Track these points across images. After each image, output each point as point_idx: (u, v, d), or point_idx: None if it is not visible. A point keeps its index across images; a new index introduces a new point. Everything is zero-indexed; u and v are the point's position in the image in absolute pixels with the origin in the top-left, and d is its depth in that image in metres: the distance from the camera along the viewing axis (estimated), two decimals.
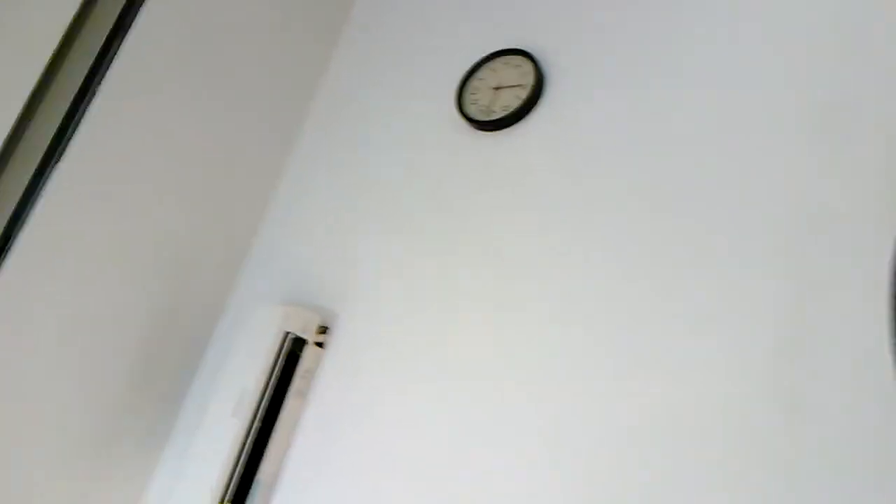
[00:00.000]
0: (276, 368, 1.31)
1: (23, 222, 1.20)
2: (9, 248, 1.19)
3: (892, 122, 0.99)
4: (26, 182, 1.20)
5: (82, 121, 1.25)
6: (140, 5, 1.30)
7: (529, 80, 1.33)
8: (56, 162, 1.23)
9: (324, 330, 1.35)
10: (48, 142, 1.21)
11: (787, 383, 0.92)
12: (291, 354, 1.32)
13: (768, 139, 1.08)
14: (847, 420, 0.88)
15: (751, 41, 1.18)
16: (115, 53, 1.28)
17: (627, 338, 1.06)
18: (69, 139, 1.24)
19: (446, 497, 1.12)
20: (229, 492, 1.23)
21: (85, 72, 1.24)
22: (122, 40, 1.29)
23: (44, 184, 1.22)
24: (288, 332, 1.31)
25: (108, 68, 1.27)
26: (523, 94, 1.33)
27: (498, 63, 1.40)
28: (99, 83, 1.26)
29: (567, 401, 1.07)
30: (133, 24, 1.30)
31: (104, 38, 1.26)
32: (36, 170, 1.20)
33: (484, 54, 1.43)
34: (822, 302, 0.95)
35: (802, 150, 1.05)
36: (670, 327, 1.03)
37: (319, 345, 1.35)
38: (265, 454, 1.28)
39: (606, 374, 1.06)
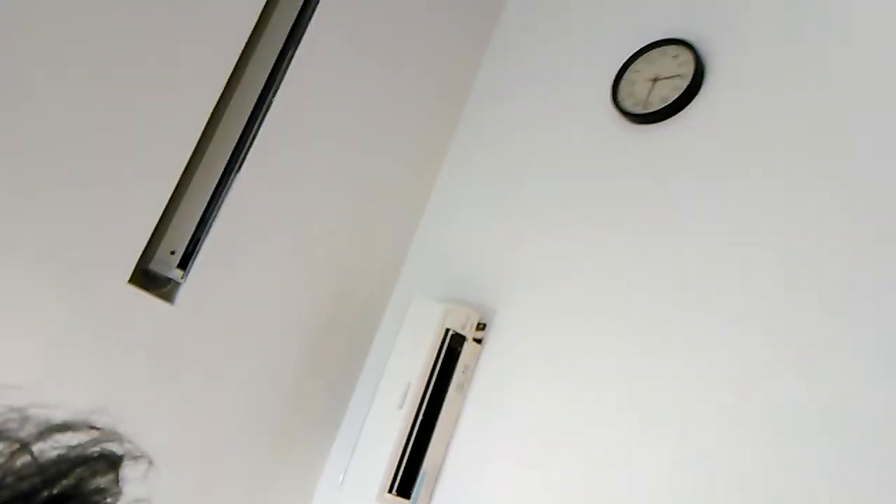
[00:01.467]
0: (438, 363, 1.34)
1: (209, 227, 1.30)
2: (197, 252, 1.29)
3: None
4: (211, 190, 1.30)
5: (259, 130, 1.34)
6: (310, 17, 1.38)
7: (688, 69, 1.30)
8: (237, 171, 1.32)
9: (482, 326, 1.38)
10: (230, 151, 1.31)
11: None
12: (451, 350, 1.35)
13: None
14: None
15: None
16: (288, 63, 1.36)
17: (805, 338, 1.02)
18: (248, 148, 1.33)
19: (600, 493, 1.11)
20: (397, 482, 1.28)
21: (262, 83, 1.33)
22: (294, 50, 1.37)
23: (226, 191, 1.31)
24: (448, 329, 1.35)
25: (282, 79, 1.35)
26: (682, 84, 1.30)
27: (655, 53, 1.37)
28: (274, 94, 1.35)
29: (737, 404, 1.04)
30: (304, 36, 1.37)
31: (278, 50, 1.35)
32: (220, 178, 1.30)
33: (641, 45, 1.40)
34: None
35: None
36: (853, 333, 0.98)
37: (477, 341, 1.38)
38: (429, 446, 1.32)
39: (785, 384, 1.01)
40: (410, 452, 1.31)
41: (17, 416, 0.31)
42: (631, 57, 1.40)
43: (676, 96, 1.29)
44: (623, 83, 1.39)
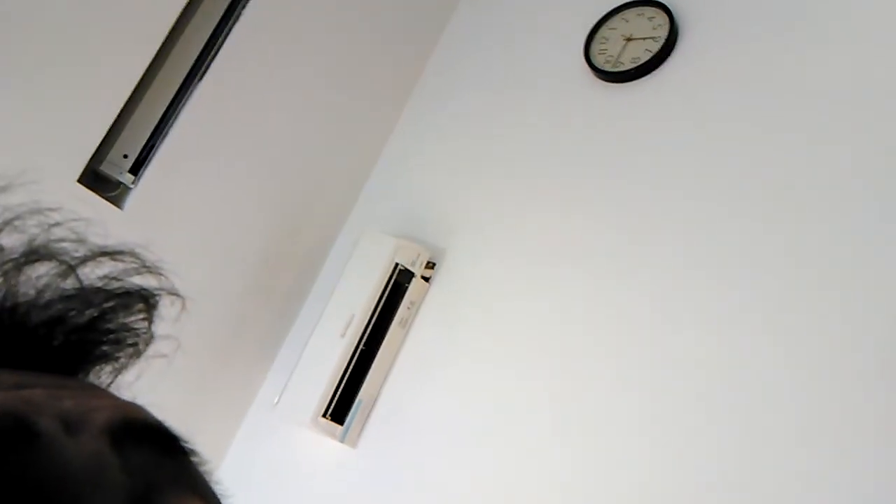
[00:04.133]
0: (384, 297, 1.36)
1: (165, 135, 1.27)
2: (150, 158, 1.27)
3: None
4: (170, 97, 1.27)
5: (225, 43, 1.30)
6: None
7: (663, 32, 1.30)
8: (198, 81, 1.29)
9: (431, 265, 1.40)
10: (193, 59, 1.27)
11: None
12: (398, 285, 1.37)
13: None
14: None
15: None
16: None
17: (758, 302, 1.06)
18: (212, 59, 1.30)
19: (535, 438, 1.15)
20: (332, 407, 1.31)
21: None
22: None
23: (185, 100, 1.28)
24: (398, 264, 1.36)
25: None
26: (655, 46, 1.30)
27: (631, 13, 1.37)
28: (244, 6, 1.31)
29: (679, 364, 1.08)
30: None
31: None
32: (180, 86, 1.26)
33: (618, 3, 1.39)
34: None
35: None
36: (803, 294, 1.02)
37: (425, 279, 1.39)
38: (367, 376, 1.35)
39: (707, 347, 1.06)
40: (348, 380, 1.34)
41: (74, 238, 0.31)
42: (607, 14, 1.39)
43: (648, 58, 1.30)
44: (596, 40, 1.39)
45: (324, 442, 1.36)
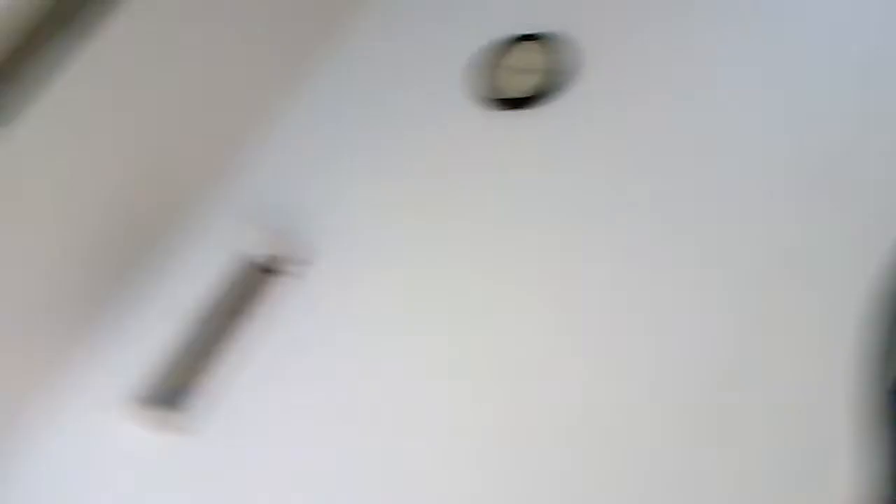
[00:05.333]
0: (238, 286, 1.31)
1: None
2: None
3: (880, 177, 1.04)
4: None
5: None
6: None
7: (555, 65, 1.34)
8: None
9: (298, 261, 1.35)
10: None
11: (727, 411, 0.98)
12: (255, 277, 1.32)
13: (764, 183, 1.13)
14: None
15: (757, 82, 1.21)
16: None
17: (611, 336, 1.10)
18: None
19: (398, 447, 1.14)
20: (168, 395, 1.24)
21: None
22: None
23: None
24: (256, 256, 1.31)
25: None
26: (545, 79, 1.34)
27: (526, 44, 1.40)
28: None
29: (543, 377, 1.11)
30: None
31: None
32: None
33: (512, 35, 1.43)
34: (774, 341, 1.01)
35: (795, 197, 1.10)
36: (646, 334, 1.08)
37: (286, 274, 1.35)
38: (209, 366, 1.28)
39: (585, 369, 1.10)
40: (189, 368, 1.27)
41: None
42: (501, 44, 1.43)
43: (538, 89, 1.34)
44: (485, 66, 1.41)
45: (153, 432, 1.28)
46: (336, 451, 1.16)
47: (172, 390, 1.25)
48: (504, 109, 1.36)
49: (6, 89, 1.16)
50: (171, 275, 1.42)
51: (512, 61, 1.40)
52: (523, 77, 1.37)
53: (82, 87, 1.26)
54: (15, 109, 1.18)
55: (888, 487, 0.84)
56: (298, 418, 1.22)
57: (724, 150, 1.18)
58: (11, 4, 1.15)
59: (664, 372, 1.04)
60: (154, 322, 1.34)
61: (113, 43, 1.28)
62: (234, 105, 1.52)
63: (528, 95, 1.34)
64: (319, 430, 1.19)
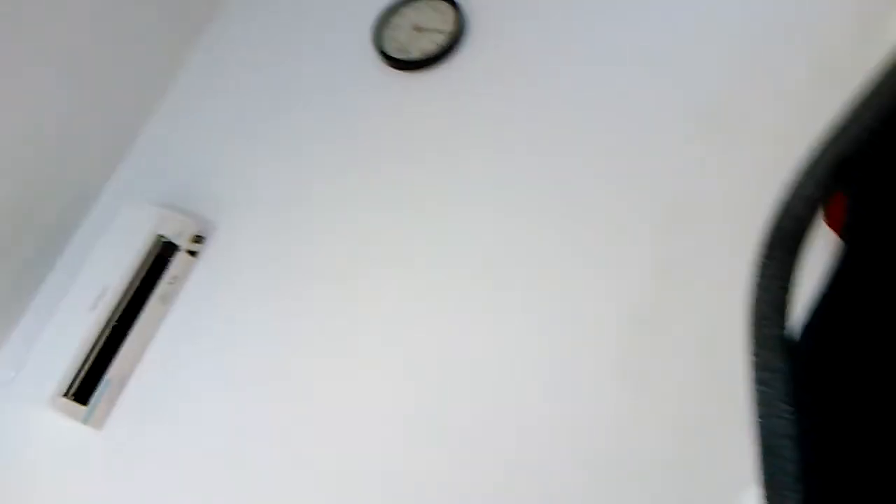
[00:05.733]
0: (143, 270, 1.27)
1: None
2: None
3: (770, 124, 1.06)
4: None
5: None
6: None
7: (449, 27, 1.32)
8: None
9: (198, 239, 1.32)
10: None
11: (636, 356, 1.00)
12: (161, 258, 1.29)
13: (658, 126, 1.13)
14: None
15: (655, 30, 1.21)
16: None
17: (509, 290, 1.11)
18: None
19: (306, 416, 1.13)
20: (74, 386, 1.20)
21: None
22: None
23: None
24: (161, 236, 1.27)
25: None
26: (442, 39, 1.32)
27: (421, 3, 1.38)
28: None
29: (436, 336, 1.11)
30: None
31: None
32: None
33: None
34: (678, 288, 1.02)
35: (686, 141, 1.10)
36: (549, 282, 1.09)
37: (192, 253, 1.32)
38: (118, 353, 1.25)
39: (472, 317, 1.10)
40: (96, 357, 1.23)
41: None
42: (398, 2, 1.39)
43: (435, 50, 1.32)
44: (387, 26, 1.38)
45: (65, 423, 1.25)
46: (246, 423, 1.16)
47: (84, 380, 1.22)
48: (406, 70, 1.34)
49: None
50: (76, 264, 1.37)
51: (412, 21, 1.37)
52: (424, 38, 1.35)
53: None
54: None
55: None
56: (208, 397, 1.20)
57: (611, 103, 1.19)
58: None
59: (573, 312, 1.05)
60: (63, 314, 1.30)
61: None
62: (124, 85, 1.46)
63: (429, 56, 1.32)
64: (228, 406, 1.18)
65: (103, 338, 1.24)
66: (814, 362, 0.62)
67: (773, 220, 0.63)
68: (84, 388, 1.22)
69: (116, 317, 1.25)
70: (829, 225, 0.68)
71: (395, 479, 1.04)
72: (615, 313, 1.02)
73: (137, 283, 1.26)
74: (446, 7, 1.35)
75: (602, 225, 1.09)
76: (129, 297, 1.26)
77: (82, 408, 1.22)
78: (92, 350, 1.23)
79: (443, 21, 1.34)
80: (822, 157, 0.63)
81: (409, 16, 1.38)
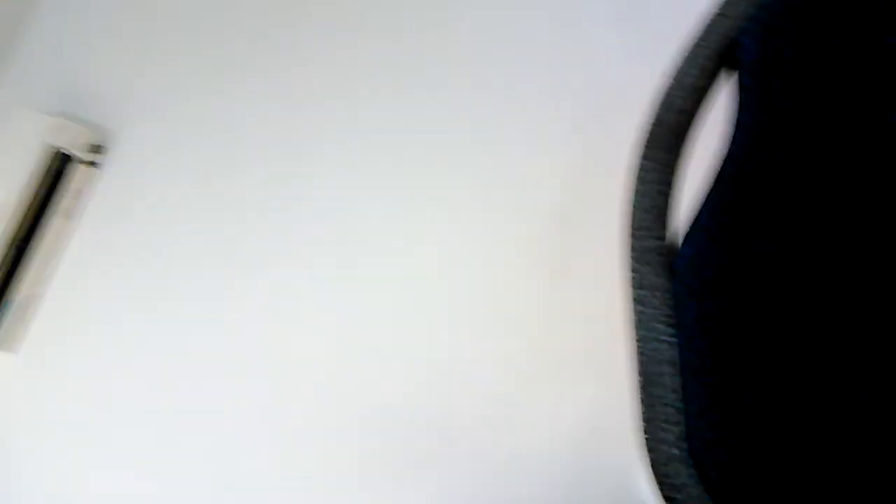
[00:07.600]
0: (40, 185, 1.19)
1: None
2: None
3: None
4: None
5: None
6: None
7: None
8: None
9: (97, 149, 1.23)
10: None
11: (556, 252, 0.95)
12: (58, 172, 1.20)
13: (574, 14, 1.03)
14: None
15: None
16: None
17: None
18: None
19: (215, 338, 1.10)
20: None
21: None
22: None
23: None
24: (54, 146, 1.18)
25: None
26: None
27: None
28: None
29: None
30: None
31: None
32: None
33: None
34: (598, 179, 0.96)
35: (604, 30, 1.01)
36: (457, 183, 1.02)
37: (93, 164, 1.23)
38: (21, 274, 1.19)
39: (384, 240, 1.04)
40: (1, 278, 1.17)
41: None
42: None
43: None
44: None
45: None
46: (146, 342, 1.12)
47: None
48: None
49: None
50: None
51: None
52: None
53: None
54: None
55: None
56: (126, 312, 1.16)
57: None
58: None
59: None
60: None
61: None
62: None
63: None
64: (146, 320, 1.14)
65: (8, 258, 1.18)
66: (698, 277, 0.55)
67: (651, 114, 0.55)
68: None
69: (20, 236, 1.18)
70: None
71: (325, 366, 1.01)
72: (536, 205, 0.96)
73: (36, 199, 1.18)
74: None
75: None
76: (30, 214, 1.19)
77: None
78: None
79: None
80: (707, 38, 0.54)
81: None
